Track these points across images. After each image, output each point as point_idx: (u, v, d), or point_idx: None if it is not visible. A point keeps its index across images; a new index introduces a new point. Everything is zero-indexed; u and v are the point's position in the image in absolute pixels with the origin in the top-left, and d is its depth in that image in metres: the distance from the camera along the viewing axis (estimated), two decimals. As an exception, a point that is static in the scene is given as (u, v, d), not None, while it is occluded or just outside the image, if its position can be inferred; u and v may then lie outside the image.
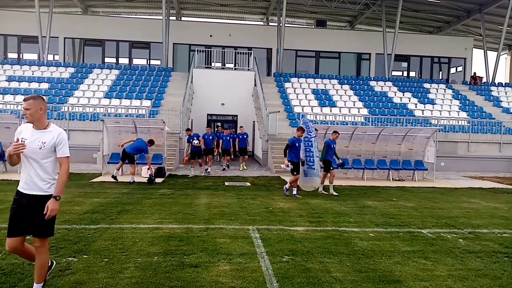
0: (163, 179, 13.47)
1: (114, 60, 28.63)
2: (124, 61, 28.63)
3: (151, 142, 12.99)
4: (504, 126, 20.83)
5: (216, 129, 21.59)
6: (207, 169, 15.66)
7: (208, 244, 6.06)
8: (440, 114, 22.38)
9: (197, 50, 25.00)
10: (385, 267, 5.25)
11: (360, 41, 29.65)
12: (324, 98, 23.37)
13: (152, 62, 28.84)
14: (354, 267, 5.23)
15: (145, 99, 21.39)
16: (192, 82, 23.06)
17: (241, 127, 18.48)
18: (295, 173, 10.88)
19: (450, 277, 4.95)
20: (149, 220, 7.57)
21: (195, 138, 14.89)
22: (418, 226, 7.67)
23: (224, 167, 16.80)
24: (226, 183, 12.97)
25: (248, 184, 12.99)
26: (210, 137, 16.08)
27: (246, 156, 17.95)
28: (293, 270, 5.05)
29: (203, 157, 15.50)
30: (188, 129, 15.50)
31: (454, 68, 31.65)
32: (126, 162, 12.86)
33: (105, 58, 28.52)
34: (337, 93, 24.32)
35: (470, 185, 14.27)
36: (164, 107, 20.39)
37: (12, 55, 28.10)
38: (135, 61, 28.93)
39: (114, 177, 12.45)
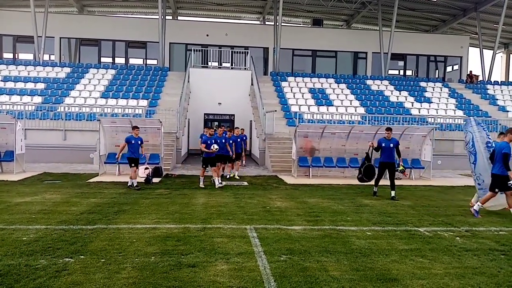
0: (160, 179, 13.44)
1: (110, 59, 28.50)
2: (120, 60, 28.51)
3: (134, 128, 12.03)
4: (500, 124, 20.88)
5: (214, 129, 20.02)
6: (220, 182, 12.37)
7: (205, 243, 6.05)
8: (437, 113, 22.44)
9: (194, 50, 24.94)
10: (383, 266, 5.26)
11: (356, 40, 29.66)
12: (321, 97, 23.38)
13: (149, 61, 28.75)
14: (352, 265, 5.24)
15: (141, 99, 21.33)
16: (188, 81, 23.01)
17: (236, 128, 15.96)
18: (496, 189, 8.42)
19: (447, 275, 4.97)
20: (146, 220, 7.55)
21: (212, 141, 12.06)
22: (415, 224, 7.69)
23: (227, 175, 14.57)
24: (224, 183, 12.93)
25: (245, 183, 12.98)
26: (223, 140, 13.36)
27: (238, 162, 15.07)
28: (291, 269, 5.05)
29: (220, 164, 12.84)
30: (209, 128, 13.02)
31: (450, 67, 31.71)
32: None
33: (101, 58, 28.39)
34: (333, 92, 24.34)
35: (467, 183, 14.30)
36: (160, 107, 20.33)
37: (8, 55, 27.92)
38: (132, 61, 28.81)
39: (132, 186, 11.53)
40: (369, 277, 4.86)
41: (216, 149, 11.93)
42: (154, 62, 28.20)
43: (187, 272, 4.87)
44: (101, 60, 28.21)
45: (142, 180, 12.68)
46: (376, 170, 11.22)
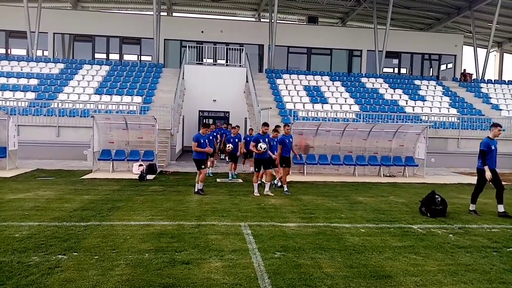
0: (154, 175, 13.39)
1: (104, 56, 28.33)
2: (114, 57, 28.35)
3: (204, 126, 10.73)
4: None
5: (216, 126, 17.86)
6: (280, 184, 11.21)
7: (199, 240, 6.04)
8: (431, 111, 22.54)
9: (189, 46, 24.85)
10: (376, 263, 5.28)
11: (351, 37, 29.70)
12: (315, 95, 23.39)
13: (143, 58, 28.61)
14: (346, 262, 5.26)
15: (136, 95, 21.21)
16: (183, 78, 22.92)
17: (237, 126, 14.84)
18: None
19: (440, 272, 5.00)
20: (140, 217, 7.52)
21: (265, 140, 10.31)
22: (409, 221, 7.73)
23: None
24: (218, 180, 12.94)
25: (240, 180, 12.97)
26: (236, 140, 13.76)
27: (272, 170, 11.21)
28: (285, 266, 5.06)
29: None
30: (206, 125, 11.03)
31: (445, 65, 31.85)
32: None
33: (95, 54, 28.21)
34: (328, 89, 24.36)
35: (460, 181, 14.41)
36: (155, 103, 20.26)
37: (0, 51, 27.65)
38: (126, 57, 28.67)
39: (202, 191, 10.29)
40: (362, 274, 4.88)
41: (265, 149, 10.14)
42: (149, 58, 28.08)
43: (181, 269, 4.86)
44: (95, 56, 28.04)
45: (136, 177, 12.63)
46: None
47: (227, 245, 5.85)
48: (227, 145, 13.53)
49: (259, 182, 10.73)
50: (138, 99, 20.77)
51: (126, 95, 21.20)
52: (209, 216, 7.74)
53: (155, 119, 14.77)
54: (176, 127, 18.74)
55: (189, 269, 4.86)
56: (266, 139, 10.40)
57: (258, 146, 10.11)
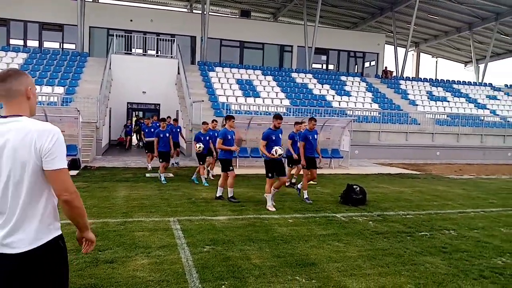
0: (77, 171, 12.64)
1: (21, 42, 26.07)
2: (33, 43, 26.20)
3: (231, 118, 9.16)
4: (410, 117, 22.78)
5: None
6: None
7: (125, 238, 5.83)
8: (355, 105, 23.78)
9: (116, 35, 23.72)
10: (302, 251, 5.48)
11: (283, 33, 30.31)
12: (248, 88, 23.58)
13: (66, 46, 26.77)
14: (273, 252, 5.39)
15: (57, 86, 19.81)
16: (110, 68, 21.85)
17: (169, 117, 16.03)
18: None
19: (360, 257, 5.32)
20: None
21: (273, 137, 8.39)
22: (333, 210, 8.12)
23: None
24: (147, 175, 12.56)
25: (171, 175, 12.71)
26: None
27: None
28: (214, 259, 5.06)
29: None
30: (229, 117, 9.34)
31: (368, 62, 33.80)
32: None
33: (11, 40, 25.85)
34: (260, 83, 24.68)
35: (380, 171, 15.43)
36: (79, 95, 19.07)
37: None
38: (46, 44, 26.62)
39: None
40: (289, 263, 5.03)
41: (280, 155, 8.14)
42: (72, 46, 26.35)
43: (104, 268, 4.65)
44: (10, 42, 25.67)
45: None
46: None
47: (155, 241, 5.71)
48: (197, 144, 11.03)
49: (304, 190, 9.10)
50: (60, 89, 19.42)
51: (46, 85, 19.71)
52: (137, 212, 7.49)
53: (78, 111, 13.94)
54: (102, 120, 17.85)
55: (113, 268, 4.67)
56: (280, 135, 8.39)
57: (273, 150, 8.00)
